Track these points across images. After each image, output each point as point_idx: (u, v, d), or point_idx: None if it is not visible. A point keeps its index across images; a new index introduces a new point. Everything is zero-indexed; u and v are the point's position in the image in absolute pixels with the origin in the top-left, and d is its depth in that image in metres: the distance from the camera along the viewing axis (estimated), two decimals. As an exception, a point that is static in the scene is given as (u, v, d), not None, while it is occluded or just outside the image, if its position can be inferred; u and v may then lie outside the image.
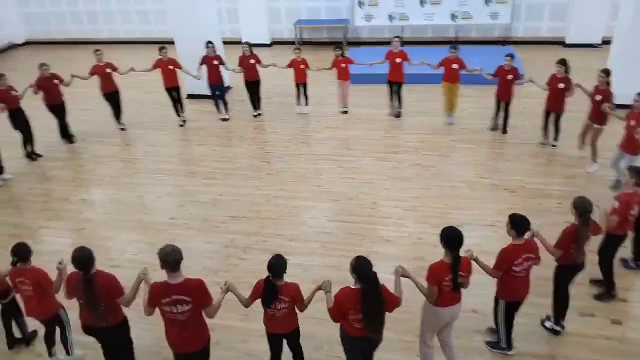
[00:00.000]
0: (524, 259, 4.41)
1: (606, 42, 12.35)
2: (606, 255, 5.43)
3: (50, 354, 5.15)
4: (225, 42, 11.62)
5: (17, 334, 5.44)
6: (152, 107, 11.19)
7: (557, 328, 5.14)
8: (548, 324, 5.21)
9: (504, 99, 9.03)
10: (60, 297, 4.71)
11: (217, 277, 6.24)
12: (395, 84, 9.91)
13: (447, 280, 4.16)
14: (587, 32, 13.18)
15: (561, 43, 13.64)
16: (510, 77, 8.80)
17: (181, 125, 10.36)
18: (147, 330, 5.18)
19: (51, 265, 4.71)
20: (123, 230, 7.30)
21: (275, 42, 15.32)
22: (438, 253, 6.21)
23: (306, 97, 10.49)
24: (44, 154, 9.49)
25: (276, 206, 7.60)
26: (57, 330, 5.08)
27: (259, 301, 4.31)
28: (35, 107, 9.27)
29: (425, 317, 4.49)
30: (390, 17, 13.89)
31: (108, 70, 9.77)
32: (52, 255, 6.64)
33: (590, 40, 13.26)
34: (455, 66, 9.29)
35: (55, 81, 9.22)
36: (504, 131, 9.25)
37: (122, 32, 16.50)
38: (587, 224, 4.64)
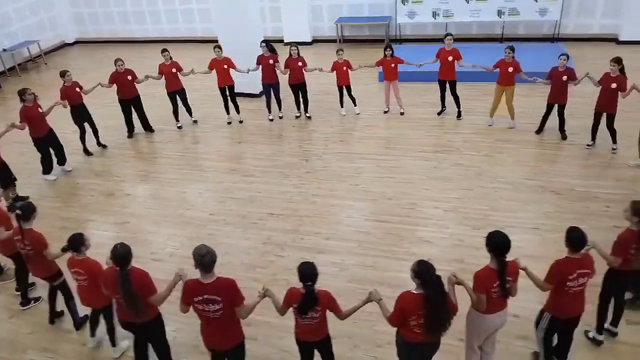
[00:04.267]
0: (579, 274, 4.13)
1: (664, 38, 11.78)
2: None
3: (113, 343, 5.31)
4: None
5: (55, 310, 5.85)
6: (192, 105, 11.39)
7: (600, 338, 4.92)
8: (591, 333, 4.98)
9: (558, 102, 8.61)
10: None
11: (255, 273, 6.31)
12: (448, 82, 9.67)
13: (494, 287, 4.00)
14: (642, 28, 12.54)
15: (614, 40, 13.04)
16: (565, 78, 8.34)
17: (229, 123, 10.51)
18: (187, 324, 5.27)
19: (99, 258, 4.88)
20: (165, 224, 7.47)
21: (316, 40, 15.33)
22: (479, 256, 6.09)
23: (352, 99, 10.40)
24: (93, 149, 9.78)
25: (313, 204, 7.60)
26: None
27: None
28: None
29: (472, 325, 4.33)
30: (434, 14, 13.63)
31: (174, 70, 9.98)
32: (97, 247, 6.83)
33: (646, 36, 12.62)
34: (510, 69, 8.85)
35: (77, 89, 9.25)
36: (565, 137, 8.78)
37: (167, 31, 16.89)
38: None
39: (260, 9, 13.05)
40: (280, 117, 10.53)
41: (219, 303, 4.00)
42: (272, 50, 10.11)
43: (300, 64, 9.97)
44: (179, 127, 10.50)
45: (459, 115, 9.83)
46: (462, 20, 13.54)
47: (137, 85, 9.91)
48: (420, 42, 14.02)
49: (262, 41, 10.05)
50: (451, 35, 9.50)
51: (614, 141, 8.22)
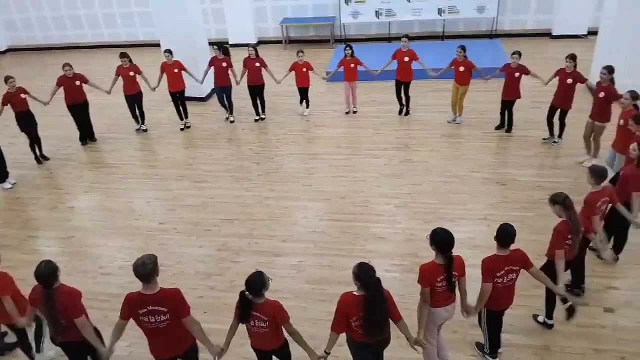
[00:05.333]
0: (507, 271, 4.27)
1: (592, 32, 12.46)
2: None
3: (31, 357, 5.10)
4: (210, 43, 11.51)
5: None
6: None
7: (550, 322, 5.14)
8: (540, 318, 5.20)
9: (510, 98, 8.82)
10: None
11: (210, 281, 6.19)
12: (404, 83, 9.77)
13: (439, 281, 4.10)
14: (573, 23, 13.24)
15: (548, 35, 13.70)
16: (517, 74, 8.53)
17: (182, 129, 10.28)
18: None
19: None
20: (112, 237, 7.20)
21: (261, 42, 15.24)
22: (431, 249, 6.24)
23: (307, 101, 10.38)
24: (31, 161, 9.33)
25: (267, 207, 7.55)
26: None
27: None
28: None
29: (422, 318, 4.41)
30: (377, 14, 13.86)
31: (132, 73, 9.71)
32: (40, 264, 6.58)
33: (577, 31, 13.32)
34: (461, 69, 9.01)
35: (22, 95, 8.87)
36: (509, 130, 9.06)
37: (106, 35, 16.34)
38: (574, 211, 4.63)
39: (203, 11, 12.83)
40: (232, 121, 10.38)
41: (164, 314, 3.90)
42: (226, 53, 9.95)
43: (257, 64, 9.86)
44: (145, 130, 10.31)
45: (406, 113, 10.02)
46: (405, 19, 13.84)
47: (86, 91, 9.58)
48: (365, 42, 14.21)
49: (214, 44, 9.87)
50: (407, 36, 9.61)
51: (560, 135, 8.53)
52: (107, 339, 4.41)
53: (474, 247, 6.07)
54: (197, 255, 6.66)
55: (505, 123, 9.11)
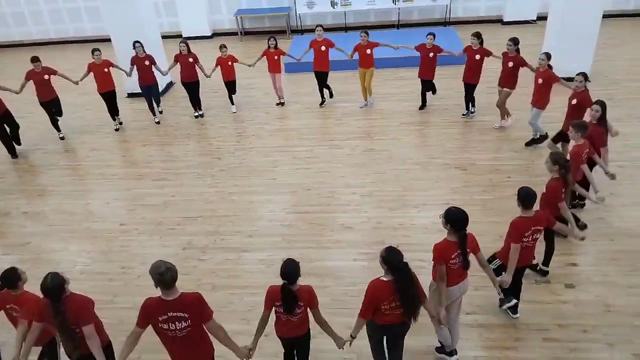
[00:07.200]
0: (534, 230, 4.53)
1: (542, 17, 12.82)
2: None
3: None
4: (164, 37, 11.22)
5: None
6: (87, 110, 10.69)
7: (546, 268, 5.61)
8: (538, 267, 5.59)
9: (428, 78, 9.32)
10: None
11: (177, 281, 6.03)
12: (322, 74, 9.88)
13: (453, 257, 4.17)
14: (523, 9, 13.63)
15: (499, 21, 14.02)
16: (431, 55, 9.03)
17: (117, 130, 9.92)
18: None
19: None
20: (71, 241, 6.94)
21: (216, 34, 14.96)
22: (399, 236, 6.34)
23: (231, 96, 10.20)
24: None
25: (232, 202, 7.44)
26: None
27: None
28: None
29: (435, 297, 4.47)
30: (333, 3, 13.83)
31: (46, 76, 9.12)
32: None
33: (527, 16, 13.69)
34: (368, 51, 9.31)
35: None
36: (434, 92, 9.69)
37: (52, 32, 15.65)
38: (569, 171, 5.05)
39: (154, 4, 12.47)
40: (157, 122, 10.06)
41: (186, 320, 3.72)
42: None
43: (191, 60, 9.63)
44: (62, 138, 9.77)
45: (331, 96, 10.24)
46: (360, 8, 13.87)
47: (4, 96, 8.90)
48: (321, 32, 14.13)
49: (135, 42, 9.48)
50: (321, 26, 9.73)
51: (473, 104, 9.21)
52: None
53: (438, 231, 6.12)
54: (162, 255, 6.42)
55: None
